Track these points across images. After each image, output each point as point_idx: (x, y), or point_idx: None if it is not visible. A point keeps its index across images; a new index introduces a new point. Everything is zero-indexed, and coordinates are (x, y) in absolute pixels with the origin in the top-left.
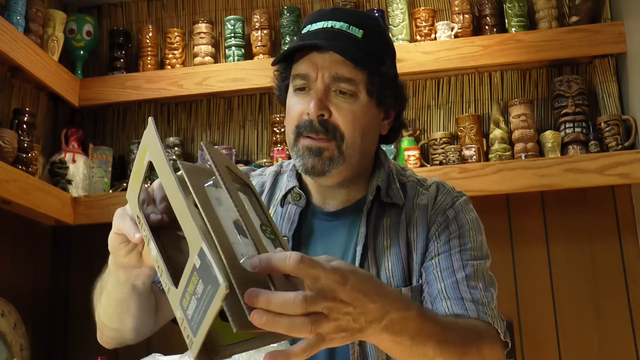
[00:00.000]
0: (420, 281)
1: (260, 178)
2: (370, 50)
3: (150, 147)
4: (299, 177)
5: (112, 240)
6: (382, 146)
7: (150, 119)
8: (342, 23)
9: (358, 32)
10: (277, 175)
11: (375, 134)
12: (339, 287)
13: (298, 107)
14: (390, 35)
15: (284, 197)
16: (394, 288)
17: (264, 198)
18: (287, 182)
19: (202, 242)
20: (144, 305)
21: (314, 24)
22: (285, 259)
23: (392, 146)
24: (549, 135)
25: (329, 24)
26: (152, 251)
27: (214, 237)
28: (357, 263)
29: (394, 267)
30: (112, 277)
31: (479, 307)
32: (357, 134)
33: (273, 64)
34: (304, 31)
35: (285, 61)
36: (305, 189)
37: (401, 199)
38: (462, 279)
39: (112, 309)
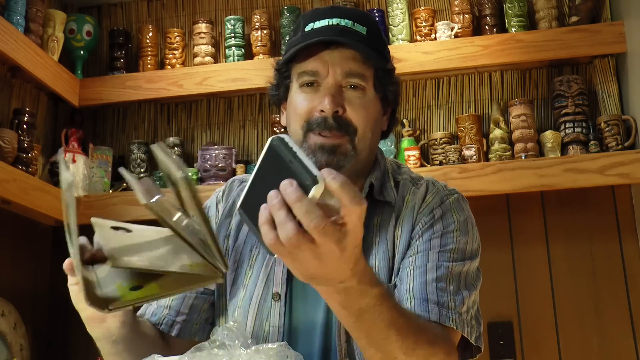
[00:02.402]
0: (397, 279)
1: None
2: (376, 46)
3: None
4: None
5: (71, 292)
6: (382, 145)
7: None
8: (346, 20)
9: (362, 29)
10: None
11: (379, 130)
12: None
13: (306, 103)
14: (390, 35)
15: None
16: (367, 265)
17: None
18: None
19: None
20: (137, 352)
21: (317, 22)
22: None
23: (392, 146)
24: (549, 135)
25: (333, 21)
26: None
27: None
28: None
29: (380, 265)
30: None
31: (442, 311)
32: (368, 129)
33: (284, 61)
34: (307, 29)
35: (290, 59)
36: None
37: (394, 197)
38: (431, 280)
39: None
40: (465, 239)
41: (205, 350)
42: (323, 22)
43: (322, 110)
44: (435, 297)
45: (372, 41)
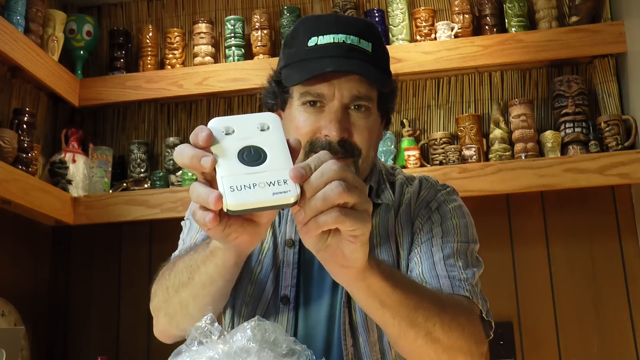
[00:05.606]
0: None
1: None
2: (381, 64)
3: None
4: None
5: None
6: (382, 145)
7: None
8: (353, 37)
9: (368, 46)
10: None
11: (379, 143)
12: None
13: (310, 123)
14: (390, 35)
15: None
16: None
17: None
18: None
19: None
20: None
21: (321, 37)
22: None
23: (392, 146)
24: (549, 135)
25: (340, 37)
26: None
27: None
28: None
29: None
30: (214, 263)
31: (455, 282)
32: (372, 149)
33: (290, 84)
34: (310, 43)
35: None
36: None
37: (391, 199)
38: (439, 259)
39: (207, 296)
40: (463, 222)
41: (184, 353)
42: (328, 38)
43: (326, 135)
44: (445, 272)
45: (378, 59)
